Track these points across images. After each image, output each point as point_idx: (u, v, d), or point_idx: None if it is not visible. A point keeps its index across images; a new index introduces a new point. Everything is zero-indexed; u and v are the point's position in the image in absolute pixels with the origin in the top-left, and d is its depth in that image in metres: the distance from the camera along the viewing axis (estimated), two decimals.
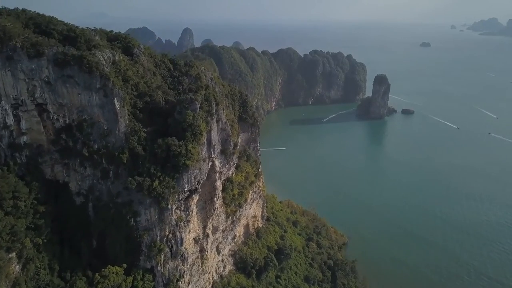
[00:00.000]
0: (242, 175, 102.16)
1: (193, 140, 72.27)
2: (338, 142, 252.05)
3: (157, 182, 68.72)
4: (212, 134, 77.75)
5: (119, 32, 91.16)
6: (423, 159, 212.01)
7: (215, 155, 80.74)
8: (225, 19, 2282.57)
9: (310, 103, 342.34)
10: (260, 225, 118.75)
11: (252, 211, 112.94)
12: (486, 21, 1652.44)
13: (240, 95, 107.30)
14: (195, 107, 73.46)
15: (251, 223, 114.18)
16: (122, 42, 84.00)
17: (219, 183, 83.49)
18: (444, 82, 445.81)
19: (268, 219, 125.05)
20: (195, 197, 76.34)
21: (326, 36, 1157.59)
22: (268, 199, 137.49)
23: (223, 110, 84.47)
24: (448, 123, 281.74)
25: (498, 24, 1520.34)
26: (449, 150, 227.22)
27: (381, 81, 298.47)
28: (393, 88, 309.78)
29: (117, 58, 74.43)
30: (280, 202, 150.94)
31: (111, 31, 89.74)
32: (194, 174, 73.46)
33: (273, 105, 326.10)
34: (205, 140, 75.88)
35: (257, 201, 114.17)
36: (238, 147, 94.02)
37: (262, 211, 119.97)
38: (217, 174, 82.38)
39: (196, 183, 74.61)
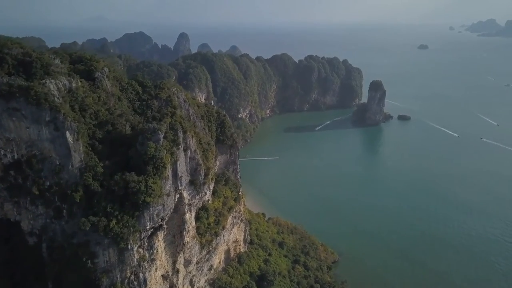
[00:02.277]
0: (219, 201, 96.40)
1: (155, 174, 66.48)
2: (332, 151, 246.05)
3: (114, 221, 62.96)
4: (178, 165, 71.96)
5: (84, 52, 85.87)
6: (419, 169, 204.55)
7: (183, 187, 74.95)
8: (223, 23, 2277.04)
9: (306, 109, 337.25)
10: (242, 249, 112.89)
11: (233, 236, 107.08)
12: (484, 22, 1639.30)
13: (218, 115, 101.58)
14: (157, 137, 67.69)
15: (232, 248, 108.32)
16: (85, 65, 78.71)
17: (188, 216, 77.67)
18: (442, 86, 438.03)
19: (251, 242, 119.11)
20: (161, 234, 70.66)
21: (326, 39, 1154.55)
22: (253, 219, 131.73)
23: (192, 137, 78.58)
24: (447, 130, 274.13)
25: (496, 25, 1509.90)
26: (446, 159, 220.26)
27: (376, 87, 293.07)
28: (390, 93, 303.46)
29: (74, 85, 68.84)
30: (268, 219, 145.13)
31: (75, 52, 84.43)
32: (157, 211, 67.70)
33: (268, 112, 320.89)
34: (170, 173, 70.09)
35: (238, 225, 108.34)
36: (211, 175, 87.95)
37: (245, 235, 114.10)
38: (186, 207, 76.62)
39: (160, 220, 68.87)
